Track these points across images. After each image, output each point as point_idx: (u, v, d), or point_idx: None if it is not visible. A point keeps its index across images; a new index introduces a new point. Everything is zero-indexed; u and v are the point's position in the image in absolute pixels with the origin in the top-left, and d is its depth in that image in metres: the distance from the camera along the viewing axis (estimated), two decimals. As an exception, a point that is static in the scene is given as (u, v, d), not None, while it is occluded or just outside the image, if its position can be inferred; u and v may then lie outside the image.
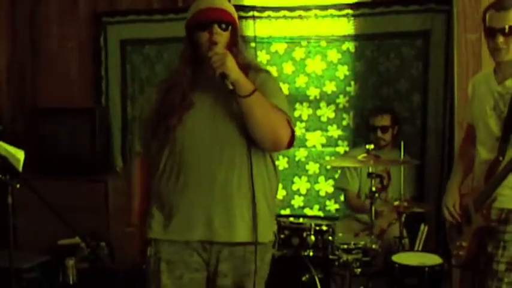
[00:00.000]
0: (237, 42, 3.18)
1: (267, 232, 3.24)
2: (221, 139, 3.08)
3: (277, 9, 6.05)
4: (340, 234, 4.81)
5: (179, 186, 3.12)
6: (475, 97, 3.99)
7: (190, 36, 3.15)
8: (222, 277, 3.16)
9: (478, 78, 4.05)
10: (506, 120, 3.71)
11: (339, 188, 5.88)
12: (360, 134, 5.91)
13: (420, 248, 4.97)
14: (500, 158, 3.72)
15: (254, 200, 3.09)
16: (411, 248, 4.98)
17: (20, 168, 3.63)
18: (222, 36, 3.08)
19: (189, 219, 3.10)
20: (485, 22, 3.74)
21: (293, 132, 3.15)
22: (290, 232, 4.71)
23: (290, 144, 3.17)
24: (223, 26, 3.10)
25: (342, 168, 5.78)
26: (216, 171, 3.08)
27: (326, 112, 6.07)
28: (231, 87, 2.95)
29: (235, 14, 3.19)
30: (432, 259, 4.46)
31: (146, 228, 3.22)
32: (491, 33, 3.69)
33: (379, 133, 5.53)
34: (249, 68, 3.16)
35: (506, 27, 3.63)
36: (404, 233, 4.96)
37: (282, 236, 4.69)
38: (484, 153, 3.86)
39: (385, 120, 5.55)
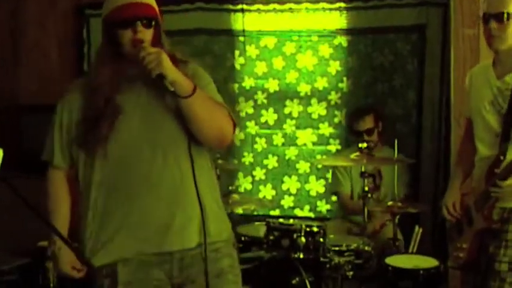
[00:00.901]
0: (161, 37, 2.98)
1: (222, 229, 3.07)
2: (161, 142, 2.90)
3: (266, 2, 5.95)
4: (332, 236, 4.73)
5: (123, 201, 2.89)
6: (472, 90, 3.93)
7: (109, 33, 2.92)
8: (190, 284, 2.97)
9: (476, 71, 3.99)
10: (506, 117, 3.64)
11: (333, 193, 5.81)
12: (353, 132, 5.79)
13: (415, 250, 4.90)
14: (502, 157, 3.64)
15: (199, 199, 2.90)
16: (405, 250, 4.92)
17: (-1, 167, 3.45)
18: (146, 34, 2.87)
19: (142, 233, 2.89)
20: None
21: (235, 125, 3.01)
22: (280, 233, 4.58)
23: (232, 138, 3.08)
24: (148, 22, 2.89)
25: (333, 171, 5.71)
26: (162, 176, 2.89)
27: (317, 109, 5.97)
28: (171, 88, 2.76)
29: (156, 7, 2.98)
30: (427, 262, 4.40)
31: (91, 253, 2.96)
32: (486, 19, 3.62)
33: (366, 137, 5.42)
34: (176, 61, 2.92)
35: (505, 12, 3.54)
36: (399, 235, 4.91)
37: (272, 237, 4.58)
38: (483, 149, 3.79)
39: (368, 123, 5.46)
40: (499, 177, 3.58)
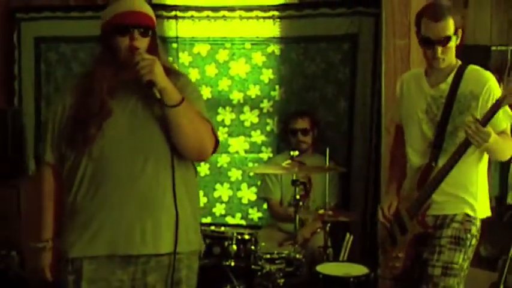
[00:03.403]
0: (157, 46, 3.08)
1: (194, 241, 3.14)
2: (144, 148, 2.96)
3: (200, 9, 5.93)
4: (263, 244, 4.72)
5: (99, 199, 2.96)
6: (404, 97, 3.96)
7: (107, 39, 3.00)
8: None
9: (407, 78, 4.02)
10: (440, 125, 3.70)
11: (261, 198, 5.81)
12: (284, 140, 5.81)
13: (345, 258, 4.92)
14: (433, 164, 3.71)
15: (177, 210, 2.96)
16: (336, 258, 4.90)
17: None
18: (142, 42, 2.98)
19: (113, 234, 2.95)
20: (421, 30, 3.68)
21: (217, 141, 3.11)
22: (211, 241, 4.61)
23: (213, 152, 3.13)
24: (144, 31, 2.99)
25: (263, 177, 5.71)
26: (139, 181, 2.95)
27: (250, 117, 5.97)
28: (158, 96, 2.84)
29: (154, 17, 3.08)
30: (357, 269, 4.41)
31: (64, 246, 3.03)
32: (428, 43, 3.65)
33: (300, 136, 5.51)
34: (169, 72, 3.02)
35: (447, 36, 3.59)
36: (329, 243, 4.88)
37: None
38: (415, 159, 3.83)
39: (305, 123, 5.54)
40: (431, 186, 3.65)
